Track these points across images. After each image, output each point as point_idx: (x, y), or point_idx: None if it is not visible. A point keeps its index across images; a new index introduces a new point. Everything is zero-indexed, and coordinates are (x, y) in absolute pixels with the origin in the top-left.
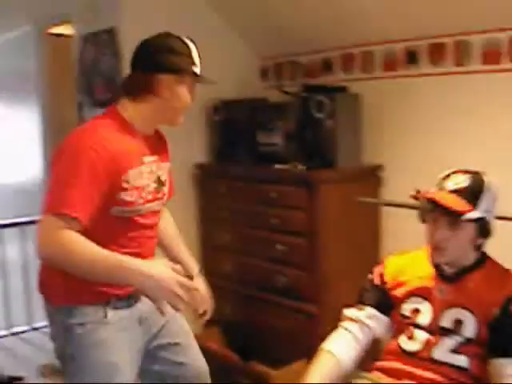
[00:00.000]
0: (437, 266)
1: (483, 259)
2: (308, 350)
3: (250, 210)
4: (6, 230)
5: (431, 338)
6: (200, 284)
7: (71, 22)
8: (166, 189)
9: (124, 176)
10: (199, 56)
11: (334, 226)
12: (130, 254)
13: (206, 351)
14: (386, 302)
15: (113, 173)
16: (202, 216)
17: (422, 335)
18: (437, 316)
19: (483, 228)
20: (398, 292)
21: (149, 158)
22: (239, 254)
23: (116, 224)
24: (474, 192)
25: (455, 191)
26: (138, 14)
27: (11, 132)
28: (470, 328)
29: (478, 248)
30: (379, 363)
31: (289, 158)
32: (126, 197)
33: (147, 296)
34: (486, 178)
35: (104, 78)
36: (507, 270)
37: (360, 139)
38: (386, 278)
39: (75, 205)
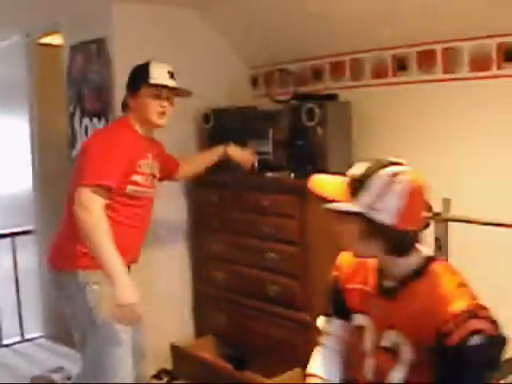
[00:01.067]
0: (378, 279)
1: (424, 267)
2: (302, 359)
3: (241, 219)
4: None
5: (378, 364)
6: (234, 150)
7: (60, 31)
8: (156, 182)
9: (139, 161)
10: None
11: (325, 235)
12: (133, 226)
13: (199, 360)
14: (345, 308)
15: (130, 158)
16: (194, 225)
17: (369, 365)
18: (378, 336)
19: (375, 227)
20: (348, 298)
21: (149, 155)
22: (231, 263)
23: (127, 200)
24: (359, 182)
25: (351, 179)
26: (127, 24)
27: (0, 142)
28: (406, 353)
29: (401, 254)
30: None
31: (280, 166)
32: (138, 179)
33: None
34: (387, 171)
35: (94, 88)
36: (452, 283)
37: (351, 147)
38: (340, 284)
39: (111, 176)
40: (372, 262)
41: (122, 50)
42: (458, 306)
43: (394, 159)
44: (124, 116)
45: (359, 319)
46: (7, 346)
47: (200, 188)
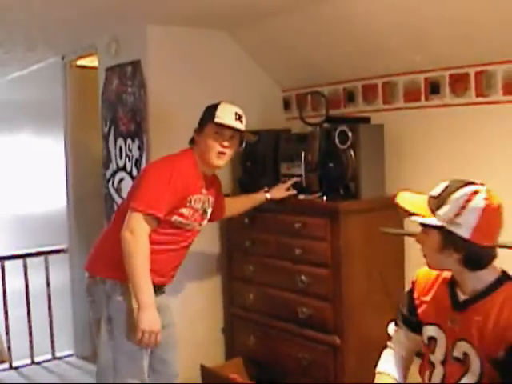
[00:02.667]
0: (452, 292)
1: (500, 282)
2: (331, 382)
3: (272, 241)
4: (30, 260)
5: (446, 375)
6: (275, 193)
7: (96, 54)
8: (207, 216)
9: (189, 197)
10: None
11: (357, 257)
12: (169, 251)
13: (228, 382)
14: (416, 322)
15: (183, 192)
16: (226, 246)
17: (438, 376)
18: (449, 347)
19: (453, 241)
20: (421, 310)
21: (204, 191)
22: (262, 285)
23: (172, 229)
24: (440, 199)
25: (430, 197)
26: (161, 47)
27: (37, 162)
28: (475, 364)
29: (475, 268)
30: None
31: (312, 188)
32: (185, 212)
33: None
34: (467, 190)
35: (128, 110)
36: None
37: (383, 170)
38: (415, 295)
39: (163, 207)
40: (446, 276)
41: (156, 72)
42: None
43: (471, 180)
44: (189, 148)
45: (432, 331)
46: (38, 363)
47: None
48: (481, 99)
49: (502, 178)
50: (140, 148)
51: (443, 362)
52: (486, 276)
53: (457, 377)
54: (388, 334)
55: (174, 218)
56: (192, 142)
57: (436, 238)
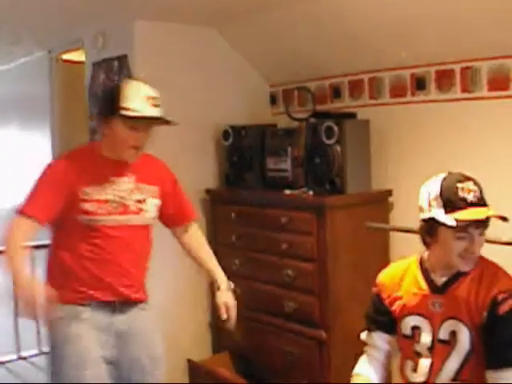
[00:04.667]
0: (428, 278)
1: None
2: (318, 376)
3: (259, 235)
4: None
5: (433, 360)
6: (224, 297)
7: (83, 48)
8: (146, 207)
9: (83, 189)
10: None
11: (343, 251)
12: (94, 259)
13: (215, 376)
14: (390, 321)
15: (71, 185)
16: (212, 241)
17: (424, 364)
18: (435, 331)
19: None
20: (396, 307)
21: (117, 179)
22: (248, 279)
23: (84, 230)
24: (483, 195)
25: (482, 202)
26: (148, 42)
27: (23, 156)
28: (464, 340)
29: None
30: None
31: (298, 183)
32: (88, 207)
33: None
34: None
35: None
36: (496, 268)
37: (368, 165)
38: (384, 295)
39: (34, 207)
40: (413, 268)
41: (143, 66)
42: (508, 281)
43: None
44: (93, 141)
45: (414, 320)
46: (25, 358)
47: (217, 205)
48: (466, 95)
49: (487, 172)
50: None
51: (430, 348)
52: None
53: (444, 358)
54: (363, 342)
55: (80, 217)
56: (95, 132)
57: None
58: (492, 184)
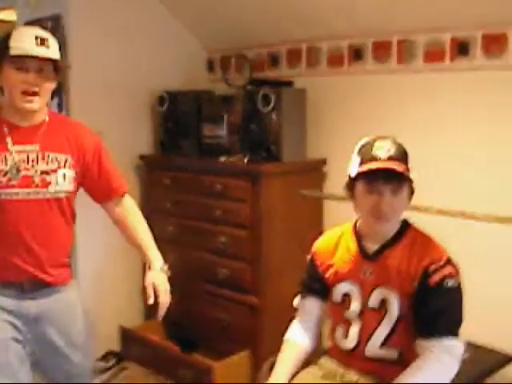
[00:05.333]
0: (360, 245)
1: (405, 228)
2: (250, 342)
3: (193, 202)
4: None
5: (363, 327)
6: (155, 278)
7: (15, 7)
8: (54, 179)
9: None
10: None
11: (277, 219)
12: (4, 233)
13: (146, 342)
14: (323, 288)
15: None
16: (145, 207)
17: (354, 331)
18: (365, 298)
19: (411, 190)
20: (329, 274)
21: (18, 147)
22: (182, 246)
23: None
24: (404, 154)
25: (391, 158)
26: (84, 2)
27: None
28: (394, 308)
29: None
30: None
31: (234, 150)
32: None
33: None
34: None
35: None
36: (428, 239)
37: (304, 133)
38: (318, 262)
39: None
40: (347, 235)
41: (78, 28)
42: (439, 252)
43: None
44: None
45: (345, 287)
46: None
47: (152, 170)
48: (402, 66)
49: (422, 143)
50: (60, 105)
51: (360, 315)
52: (394, 224)
53: (374, 326)
54: (295, 308)
55: None
56: None
57: (406, 193)
58: (425, 148)
